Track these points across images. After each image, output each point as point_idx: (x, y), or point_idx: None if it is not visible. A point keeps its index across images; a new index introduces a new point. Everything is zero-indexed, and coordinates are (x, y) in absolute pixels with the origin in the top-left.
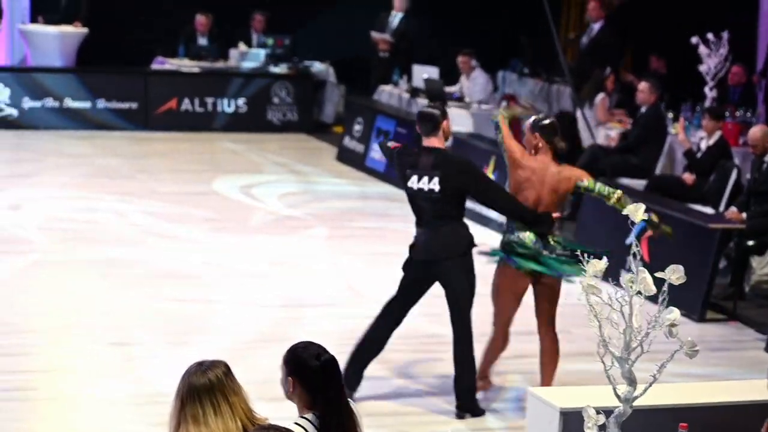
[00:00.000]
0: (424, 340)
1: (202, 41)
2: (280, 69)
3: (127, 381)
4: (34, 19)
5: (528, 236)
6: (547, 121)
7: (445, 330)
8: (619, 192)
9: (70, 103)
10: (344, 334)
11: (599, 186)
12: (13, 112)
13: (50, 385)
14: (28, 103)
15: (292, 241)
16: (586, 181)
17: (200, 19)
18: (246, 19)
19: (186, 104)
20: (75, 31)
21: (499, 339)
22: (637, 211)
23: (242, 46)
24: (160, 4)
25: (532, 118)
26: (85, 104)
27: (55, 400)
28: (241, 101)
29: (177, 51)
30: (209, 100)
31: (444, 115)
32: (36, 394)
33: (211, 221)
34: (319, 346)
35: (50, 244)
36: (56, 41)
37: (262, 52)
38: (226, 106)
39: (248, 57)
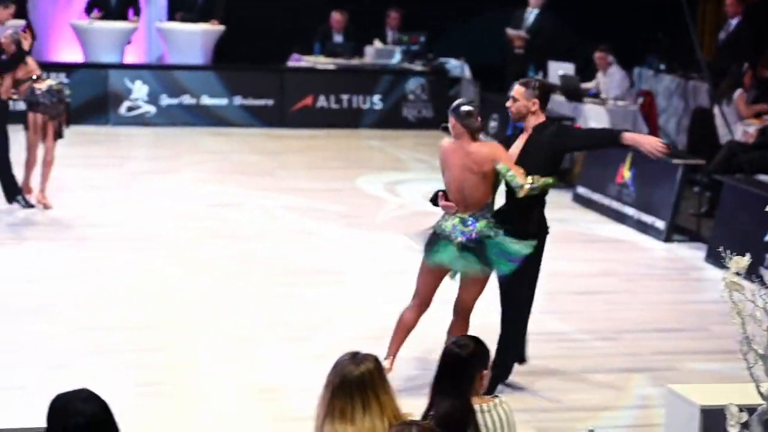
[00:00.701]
0: (552, 337)
1: (338, 38)
2: (416, 66)
3: (253, 376)
4: (171, 17)
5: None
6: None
7: (569, 327)
8: (526, 188)
9: (206, 100)
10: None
11: (509, 174)
12: (151, 109)
13: (179, 380)
14: (165, 100)
15: None
16: (500, 164)
17: (336, 17)
18: (381, 16)
19: (321, 101)
20: (212, 28)
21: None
22: None
23: (377, 43)
24: (296, 2)
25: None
26: (222, 101)
27: (182, 395)
28: (376, 98)
29: (313, 48)
30: (344, 97)
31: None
32: (166, 389)
33: (350, 217)
34: (466, 340)
35: (187, 239)
36: (193, 39)
37: (397, 49)
38: (362, 102)
39: (383, 54)
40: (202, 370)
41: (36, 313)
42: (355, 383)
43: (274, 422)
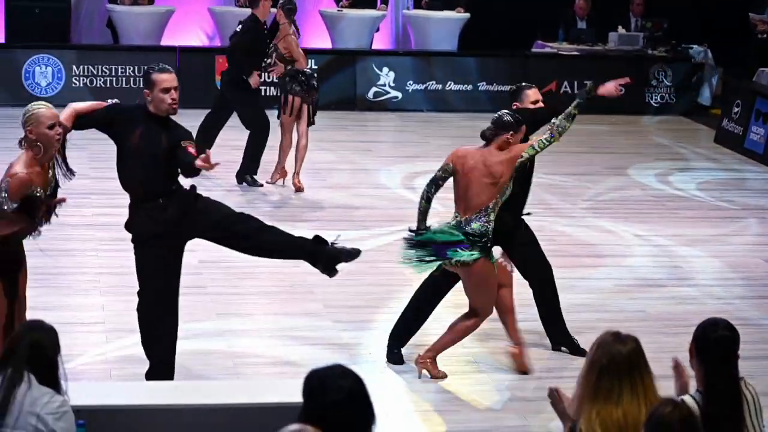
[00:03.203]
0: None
1: (581, 25)
2: (659, 52)
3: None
4: (418, 5)
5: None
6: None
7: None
8: (557, 136)
9: (452, 86)
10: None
11: (539, 143)
12: (398, 94)
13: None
14: (411, 86)
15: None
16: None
17: (580, 3)
18: (625, 2)
19: (565, 87)
20: (457, 16)
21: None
22: None
23: (621, 30)
24: None
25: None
26: (467, 87)
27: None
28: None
29: (557, 34)
30: (588, 83)
31: None
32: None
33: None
34: (724, 323)
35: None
36: (439, 26)
37: (640, 36)
38: None
39: (627, 40)
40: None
41: (304, 292)
42: (624, 363)
43: None
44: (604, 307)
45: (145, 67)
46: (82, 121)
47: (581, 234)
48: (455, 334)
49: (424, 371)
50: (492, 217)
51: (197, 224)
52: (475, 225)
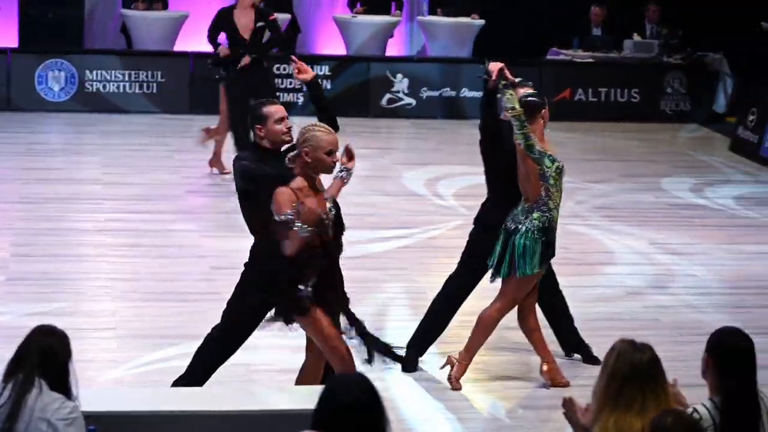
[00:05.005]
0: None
1: (596, 32)
2: (674, 59)
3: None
4: (432, 11)
5: None
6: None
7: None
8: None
9: (466, 92)
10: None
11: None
12: (411, 101)
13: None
14: (426, 92)
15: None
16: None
17: (595, 10)
18: (640, 9)
19: (579, 94)
20: (472, 22)
21: None
22: None
23: (636, 37)
24: None
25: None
26: (481, 94)
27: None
28: (634, 91)
29: (571, 42)
30: (602, 91)
31: None
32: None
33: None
34: (741, 332)
35: (448, 228)
36: (454, 32)
37: (655, 43)
38: (619, 96)
39: (642, 47)
40: None
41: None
42: (646, 372)
43: None
44: (617, 315)
45: (252, 104)
46: None
47: (594, 241)
48: (484, 327)
49: (448, 367)
50: (551, 205)
51: None
52: (535, 214)
